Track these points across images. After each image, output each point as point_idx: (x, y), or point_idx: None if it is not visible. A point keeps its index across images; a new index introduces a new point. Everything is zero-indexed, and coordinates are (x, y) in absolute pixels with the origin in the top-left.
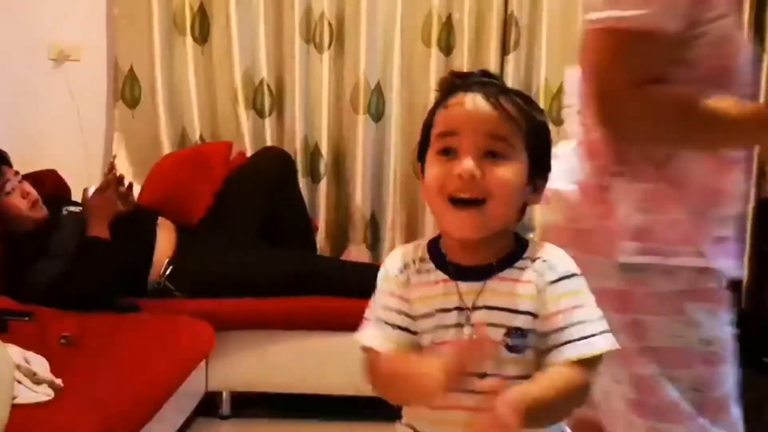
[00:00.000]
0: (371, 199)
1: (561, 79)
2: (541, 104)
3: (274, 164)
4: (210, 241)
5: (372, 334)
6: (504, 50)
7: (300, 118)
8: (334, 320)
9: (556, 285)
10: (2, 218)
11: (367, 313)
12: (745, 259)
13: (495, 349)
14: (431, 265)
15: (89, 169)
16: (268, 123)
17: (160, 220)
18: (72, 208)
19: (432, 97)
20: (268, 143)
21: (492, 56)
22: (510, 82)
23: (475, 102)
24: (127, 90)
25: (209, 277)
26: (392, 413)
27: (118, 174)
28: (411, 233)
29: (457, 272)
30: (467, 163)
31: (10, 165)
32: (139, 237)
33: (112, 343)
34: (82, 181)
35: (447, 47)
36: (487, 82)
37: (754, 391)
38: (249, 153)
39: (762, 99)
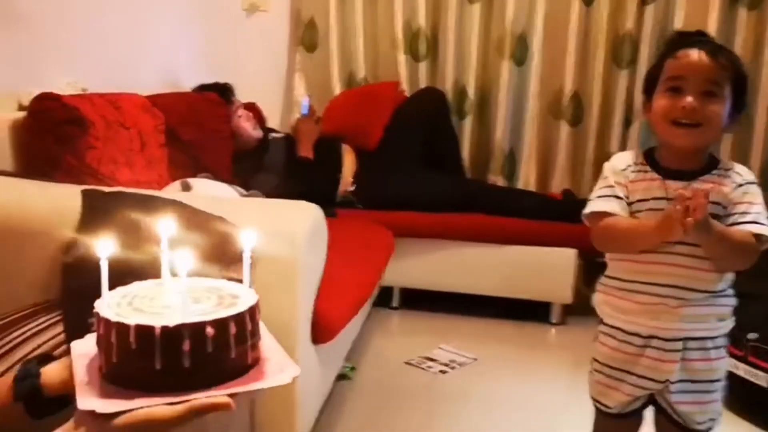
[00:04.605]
0: (510, 136)
1: (695, 27)
2: None
3: (434, 101)
4: (384, 164)
5: (605, 204)
6: (643, 1)
7: (451, 62)
8: (488, 234)
9: (741, 186)
10: (235, 137)
11: (591, 196)
12: None
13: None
14: (648, 167)
15: (277, 103)
16: (423, 66)
17: (344, 145)
18: (275, 135)
19: (570, 44)
20: (422, 84)
21: (631, 6)
22: (647, 31)
23: (698, 55)
24: (306, 37)
25: (385, 193)
26: (536, 314)
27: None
28: (543, 166)
29: (667, 174)
30: (691, 100)
31: (234, 95)
32: (331, 158)
33: (334, 239)
34: (273, 112)
35: None
36: (705, 41)
37: None
38: (407, 92)
39: None
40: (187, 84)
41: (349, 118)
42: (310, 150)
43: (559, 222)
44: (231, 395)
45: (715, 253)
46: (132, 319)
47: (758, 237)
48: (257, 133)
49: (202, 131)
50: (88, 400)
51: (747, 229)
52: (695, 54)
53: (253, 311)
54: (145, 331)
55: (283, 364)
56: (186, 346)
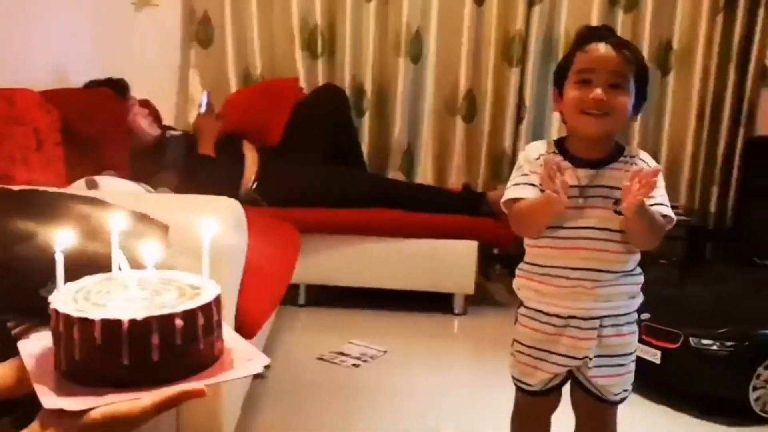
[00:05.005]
0: (408, 132)
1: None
2: (560, 51)
3: (335, 98)
4: (287, 161)
5: (519, 191)
6: (530, 2)
7: (348, 60)
8: (391, 228)
9: None
10: (131, 134)
11: (509, 184)
12: (732, 189)
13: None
14: (560, 157)
15: (171, 100)
16: (320, 63)
17: (245, 142)
18: (173, 132)
19: (464, 43)
20: (320, 82)
21: (520, 8)
22: (534, 31)
23: (606, 49)
24: (201, 32)
25: (288, 190)
26: (439, 305)
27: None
28: (440, 162)
29: (578, 163)
30: (599, 92)
31: (130, 91)
32: (233, 155)
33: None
34: (167, 109)
35: None
36: (610, 35)
37: (748, 283)
38: (305, 89)
39: None
40: (76, 80)
41: (248, 115)
42: (212, 147)
43: (461, 215)
44: None
45: (639, 232)
46: (96, 314)
47: (666, 218)
48: (154, 131)
49: (99, 129)
50: (53, 399)
51: (657, 210)
52: (603, 48)
53: (218, 301)
54: (111, 325)
55: (249, 353)
56: (155, 339)
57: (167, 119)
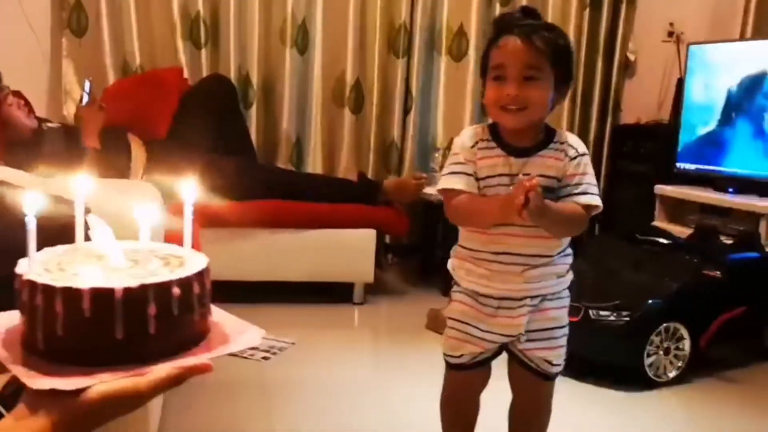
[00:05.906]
0: (296, 124)
1: (460, 20)
2: (443, 42)
3: (222, 88)
4: (176, 153)
5: (456, 181)
6: None
7: (233, 50)
8: (289, 220)
9: (574, 159)
10: (6, 127)
11: (444, 172)
12: (602, 172)
13: (535, 185)
14: (494, 144)
15: (42, 91)
16: (204, 53)
17: (130, 135)
18: (50, 124)
19: (349, 34)
20: (204, 72)
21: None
22: (419, 22)
23: (515, 43)
24: (74, 20)
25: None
26: (340, 296)
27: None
28: (330, 153)
29: (510, 151)
30: (511, 89)
31: (2, 81)
32: (119, 148)
33: None
34: (39, 101)
35: None
36: (523, 24)
37: (633, 258)
38: (189, 80)
39: None
40: None
41: (131, 107)
42: (96, 139)
43: (358, 204)
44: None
45: (550, 230)
46: (83, 283)
47: (587, 206)
48: (32, 123)
49: None
50: (42, 380)
51: (578, 200)
52: (512, 42)
53: (208, 270)
54: (103, 295)
55: (240, 326)
56: (152, 309)
57: (39, 111)
